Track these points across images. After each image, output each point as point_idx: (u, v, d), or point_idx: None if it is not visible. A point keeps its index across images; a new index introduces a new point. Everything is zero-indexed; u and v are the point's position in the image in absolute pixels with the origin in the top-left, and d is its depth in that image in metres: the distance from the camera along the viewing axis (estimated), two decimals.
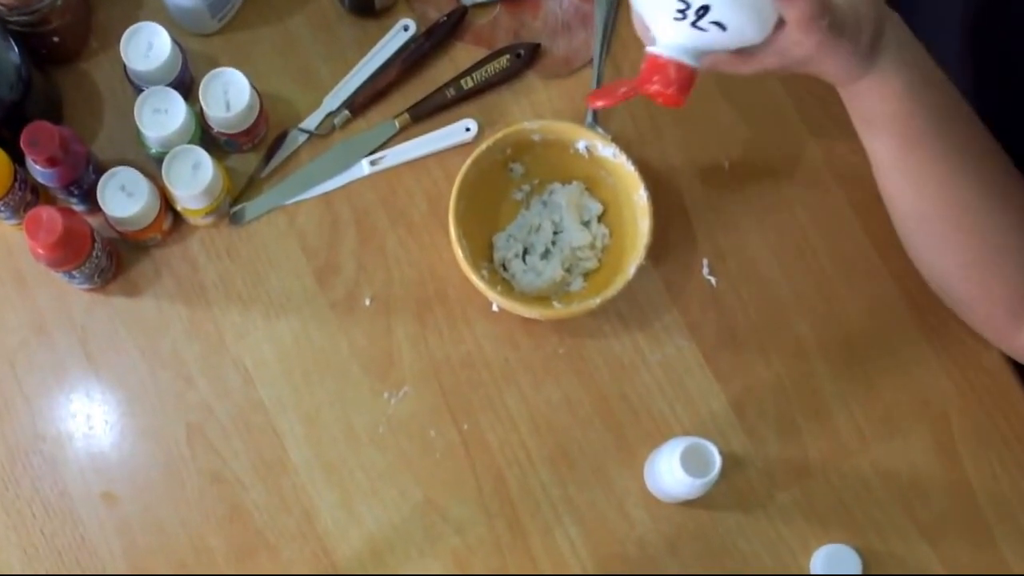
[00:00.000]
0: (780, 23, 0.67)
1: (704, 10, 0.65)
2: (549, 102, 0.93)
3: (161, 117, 0.85)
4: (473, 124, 0.91)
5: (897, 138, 0.75)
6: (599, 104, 0.70)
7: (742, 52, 0.69)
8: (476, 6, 0.94)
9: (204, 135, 0.88)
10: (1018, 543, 0.87)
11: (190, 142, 0.85)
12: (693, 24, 0.66)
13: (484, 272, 0.85)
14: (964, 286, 0.80)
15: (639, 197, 0.85)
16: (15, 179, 0.82)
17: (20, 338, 0.87)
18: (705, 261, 0.91)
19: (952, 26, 0.89)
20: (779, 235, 0.91)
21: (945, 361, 0.89)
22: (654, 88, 0.68)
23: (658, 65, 0.67)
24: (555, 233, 0.88)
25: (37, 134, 0.79)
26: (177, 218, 0.89)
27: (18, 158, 0.82)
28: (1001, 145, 0.77)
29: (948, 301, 0.83)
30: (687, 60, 0.67)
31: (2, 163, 0.81)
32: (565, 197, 0.89)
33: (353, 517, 0.85)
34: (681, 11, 0.65)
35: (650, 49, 0.68)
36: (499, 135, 0.85)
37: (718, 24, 0.65)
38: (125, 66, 0.86)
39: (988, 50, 0.87)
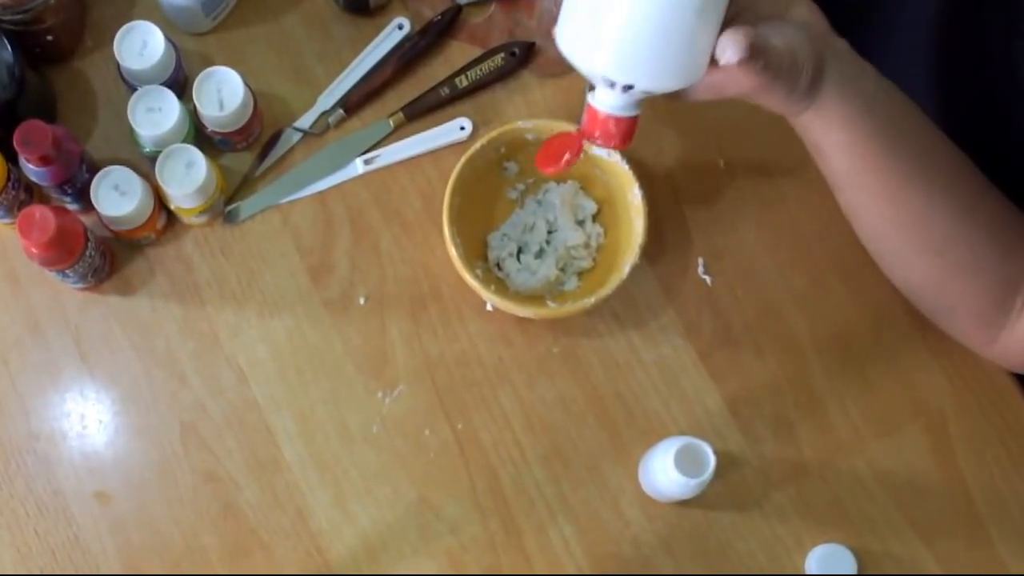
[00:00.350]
0: (714, 61, 0.66)
1: (629, 86, 0.65)
2: (544, 101, 0.93)
3: (155, 116, 0.84)
4: (468, 123, 0.91)
5: (845, 164, 0.75)
6: (549, 171, 0.70)
7: (675, 93, 0.69)
8: (470, 5, 0.94)
9: (198, 134, 0.88)
10: (1015, 542, 0.87)
11: (184, 141, 0.85)
12: (623, 91, 0.66)
13: (478, 271, 0.85)
14: (934, 299, 0.81)
15: (633, 196, 0.84)
16: (9, 178, 0.82)
17: (14, 337, 0.87)
18: (700, 260, 0.90)
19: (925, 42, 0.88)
20: (775, 234, 0.91)
21: (942, 360, 0.89)
22: (598, 142, 0.68)
23: (598, 120, 0.67)
24: (549, 232, 0.88)
25: (30, 133, 0.79)
26: (171, 217, 0.89)
27: (12, 157, 0.82)
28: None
29: (924, 313, 0.83)
30: (625, 114, 0.67)
31: None
32: (559, 196, 0.88)
33: (347, 516, 0.85)
34: (610, 84, 0.66)
35: (589, 100, 0.68)
36: (493, 134, 0.85)
37: (646, 91, 0.66)
38: (119, 65, 0.86)
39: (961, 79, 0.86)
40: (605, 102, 0.67)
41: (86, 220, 0.85)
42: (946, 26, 0.86)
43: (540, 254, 0.88)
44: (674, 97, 0.69)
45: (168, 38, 0.86)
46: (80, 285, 0.87)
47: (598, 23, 0.64)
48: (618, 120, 0.67)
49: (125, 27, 0.85)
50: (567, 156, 0.69)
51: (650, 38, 0.63)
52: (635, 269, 0.83)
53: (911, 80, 0.88)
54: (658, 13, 0.62)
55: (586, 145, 0.69)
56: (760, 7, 0.67)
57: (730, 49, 0.63)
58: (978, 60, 0.84)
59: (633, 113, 0.67)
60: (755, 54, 0.64)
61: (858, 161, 0.74)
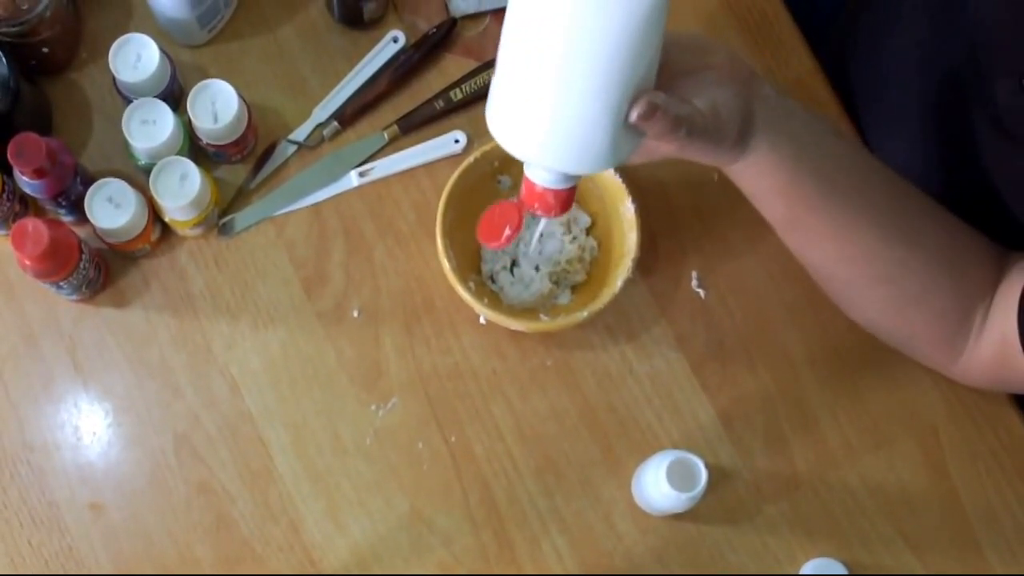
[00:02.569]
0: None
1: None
2: None
3: (149, 128, 0.85)
4: (462, 136, 0.92)
5: (782, 207, 0.75)
6: (492, 245, 0.69)
7: None
8: (465, 18, 0.94)
9: (193, 146, 0.88)
10: (1006, 555, 0.87)
11: (179, 153, 0.86)
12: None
13: (471, 284, 0.85)
14: (892, 329, 0.81)
15: (626, 209, 0.85)
16: (3, 190, 0.82)
17: (8, 347, 0.87)
18: (694, 273, 0.91)
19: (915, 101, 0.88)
20: (768, 247, 0.91)
21: (934, 373, 0.89)
22: (538, 213, 0.67)
23: (536, 193, 0.66)
24: (543, 246, 0.88)
25: (24, 146, 0.79)
26: (166, 229, 0.89)
27: (7, 169, 0.82)
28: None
29: (884, 341, 0.83)
30: (562, 187, 0.66)
31: None
32: None
33: (339, 528, 0.85)
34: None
35: (527, 172, 0.66)
36: (486, 147, 0.85)
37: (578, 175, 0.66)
38: (114, 77, 0.86)
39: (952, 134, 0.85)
40: (541, 177, 0.65)
41: (80, 232, 0.85)
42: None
43: (534, 267, 0.88)
44: None
45: (163, 50, 0.86)
46: (74, 297, 0.87)
47: (527, 112, 0.62)
48: (556, 192, 0.66)
49: (120, 39, 0.85)
50: (507, 232, 0.68)
51: (578, 128, 0.62)
52: (628, 282, 0.83)
53: (909, 77, 0.87)
54: (586, 104, 0.61)
55: (527, 214, 0.68)
56: (677, 65, 0.66)
57: (634, 112, 0.62)
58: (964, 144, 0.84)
59: (570, 184, 0.66)
60: (675, 126, 0.63)
61: (796, 204, 0.74)
